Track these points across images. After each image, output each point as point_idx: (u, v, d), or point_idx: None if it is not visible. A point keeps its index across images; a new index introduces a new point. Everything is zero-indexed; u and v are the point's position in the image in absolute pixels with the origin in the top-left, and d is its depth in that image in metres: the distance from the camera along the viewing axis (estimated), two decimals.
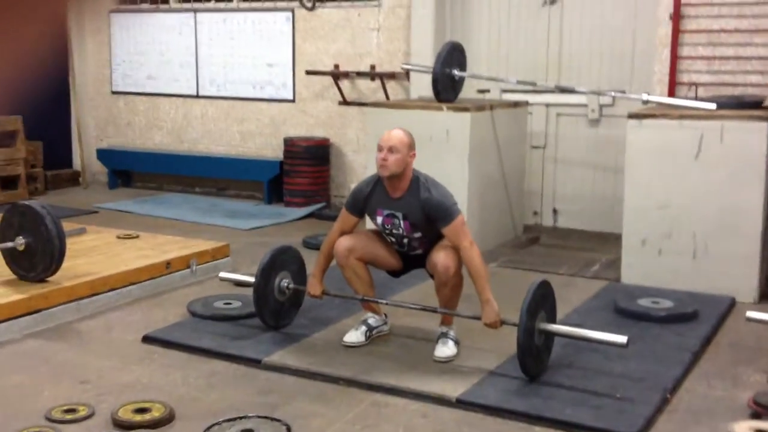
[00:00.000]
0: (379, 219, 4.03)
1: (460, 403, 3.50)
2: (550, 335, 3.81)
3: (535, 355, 3.69)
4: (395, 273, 4.27)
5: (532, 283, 3.74)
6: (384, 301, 4.18)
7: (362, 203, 4.06)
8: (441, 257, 3.87)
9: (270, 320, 4.27)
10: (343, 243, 4.08)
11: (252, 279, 4.25)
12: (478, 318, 3.85)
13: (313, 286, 4.21)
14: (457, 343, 4.01)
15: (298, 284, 4.31)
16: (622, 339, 3.66)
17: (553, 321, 3.86)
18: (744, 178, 4.95)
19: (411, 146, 3.90)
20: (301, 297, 4.39)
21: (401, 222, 3.97)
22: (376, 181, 4.03)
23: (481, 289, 3.81)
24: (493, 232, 6.26)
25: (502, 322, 3.81)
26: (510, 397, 3.52)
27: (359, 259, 4.09)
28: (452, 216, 3.85)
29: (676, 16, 6.29)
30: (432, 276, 4.05)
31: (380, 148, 3.87)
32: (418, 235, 3.99)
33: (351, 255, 4.07)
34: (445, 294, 3.95)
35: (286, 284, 4.24)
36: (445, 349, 3.95)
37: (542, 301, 3.74)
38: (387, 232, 4.05)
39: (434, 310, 4.03)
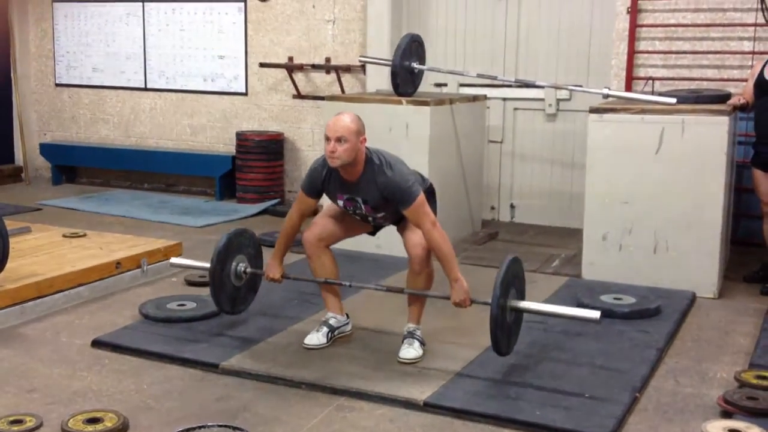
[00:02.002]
0: (341, 202, 3.92)
1: (428, 407, 3.40)
2: (521, 312, 3.72)
3: (506, 332, 3.61)
4: (370, 233, 4.22)
5: (504, 259, 3.64)
6: (347, 283, 4.05)
7: (319, 186, 3.92)
8: (414, 245, 3.79)
9: (226, 306, 4.10)
10: (313, 232, 3.98)
11: (206, 264, 4.07)
12: (447, 298, 3.76)
13: (272, 269, 4.06)
14: (422, 344, 3.91)
15: (254, 268, 4.15)
16: (594, 314, 3.60)
17: (523, 299, 3.78)
18: (705, 174, 4.94)
19: (360, 132, 3.71)
20: (258, 281, 4.23)
21: (362, 205, 3.86)
22: (330, 166, 3.86)
23: (449, 269, 3.71)
24: (452, 227, 6.14)
25: (472, 301, 3.72)
26: (478, 399, 3.43)
27: (331, 243, 4.02)
28: (412, 197, 3.72)
29: (634, 10, 6.30)
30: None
31: (327, 139, 3.69)
32: (381, 214, 3.92)
33: (321, 243, 3.99)
34: (418, 284, 3.87)
35: (243, 268, 4.07)
36: (411, 350, 3.85)
37: (513, 279, 3.65)
38: (350, 212, 3.95)
39: (400, 291, 3.94)
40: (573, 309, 3.74)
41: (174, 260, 4.59)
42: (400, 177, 3.74)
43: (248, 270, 4.10)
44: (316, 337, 4.01)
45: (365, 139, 3.77)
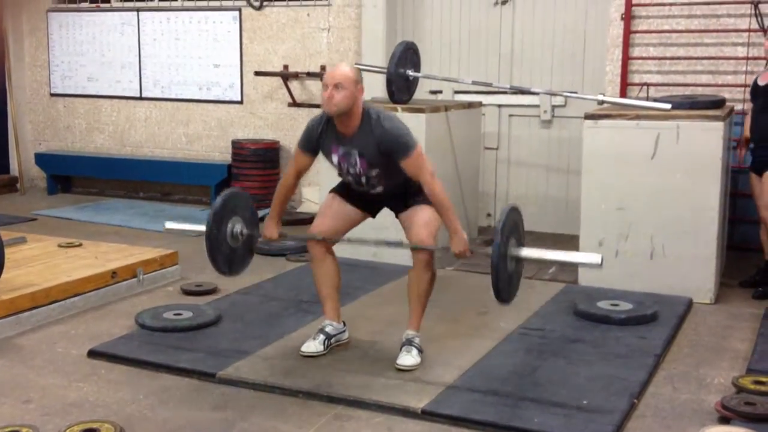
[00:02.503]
0: (335, 158, 3.86)
1: (426, 414, 3.38)
2: (521, 261, 3.70)
3: (507, 281, 3.59)
4: (371, 213, 4.16)
5: (504, 208, 3.61)
6: (346, 238, 4.04)
7: (315, 142, 3.89)
8: (419, 244, 3.76)
9: (224, 267, 4.01)
10: (318, 236, 3.98)
11: (201, 227, 4.01)
12: (447, 248, 3.76)
13: (269, 229, 4.04)
14: (420, 351, 3.90)
15: (250, 229, 4.07)
16: (596, 258, 3.58)
17: (522, 246, 3.74)
18: (700, 179, 4.95)
19: (358, 81, 3.70)
20: (254, 243, 4.15)
21: (357, 159, 3.80)
22: (327, 120, 3.82)
23: (448, 221, 3.71)
24: (447, 234, 6.17)
25: (472, 252, 3.71)
26: (476, 407, 3.42)
27: (337, 240, 4.00)
28: (410, 147, 3.70)
29: (628, 17, 6.31)
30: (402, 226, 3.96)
31: (325, 86, 3.68)
32: (375, 172, 3.82)
33: (329, 249, 4.00)
34: (422, 286, 3.86)
35: (239, 229, 4.02)
36: (409, 358, 3.84)
37: (514, 227, 3.62)
38: (344, 171, 3.89)
39: (399, 245, 3.94)
40: (573, 254, 3.68)
41: (168, 224, 4.53)
42: (397, 129, 3.74)
43: (244, 231, 4.03)
44: (313, 345, 4.00)
45: (362, 90, 3.76)
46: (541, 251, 3.80)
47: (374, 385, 3.63)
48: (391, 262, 5.45)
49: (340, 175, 3.99)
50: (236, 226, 4.00)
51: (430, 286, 3.89)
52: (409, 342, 3.90)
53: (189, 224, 4.41)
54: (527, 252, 3.66)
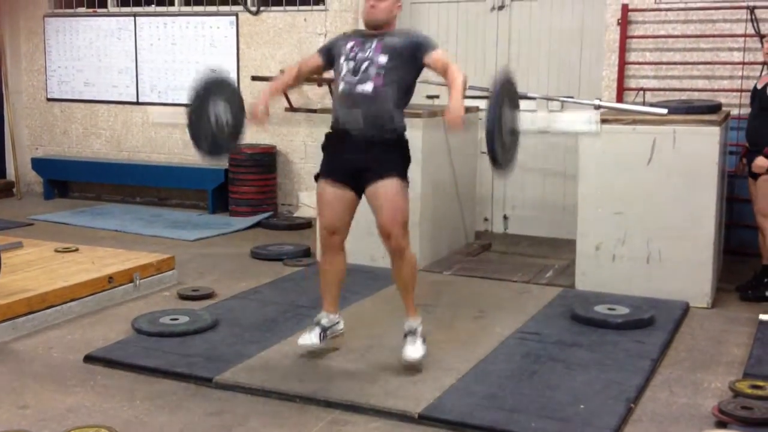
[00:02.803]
0: (349, 45, 3.87)
1: (423, 419, 3.38)
2: (517, 132, 3.68)
3: (504, 148, 3.59)
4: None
5: (496, 78, 3.59)
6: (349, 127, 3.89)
7: (334, 48, 3.94)
8: (390, 226, 3.74)
9: (203, 146, 3.96)
10: (326, 227, 3.95)
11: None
12: (443, 111, 3.76)
13: (256, 107, 3.95)
14: (424, 340, 3.89)
15: (236, 115, 4.02)
16: (594, 125, 3.54)
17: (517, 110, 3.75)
18: (697, 184, 4.95)
19: None
20: (241, 126, 4.09)
21: (374, 44, 3.81)
22: (357, 30, 3.96)
23: (455, 92, 3.67)
24: (445, 239, 6.19)
25: (464, 121, 3.67)
26: (474, 411, 3.42)
27: (344, 238, 4.00)
28: (435, 46, 3.83)
29: (624, 22, 6.33)
30: (369, 203, 3.91)
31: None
32: (383, 60, 3.76)
33: (337, 238, 3.96)
34: (403, 276, 3.88)
35: (223, 115, 3.96)
36: (414, 349, 3.82)
37: (510, 97, 3.61)
38: (350, 57, 3.84)
39: None
40: (571, 122, 3.64)
41: (156, 116, 4.47)
42: (425, 35, 3.92)
43: (229, 115, 3.96)
44: (308, 338, 3.99)
45: (401, 6, 3.94)
46: (540, 121, 3.74)
47: (371, 390, 3.62)
48: (387, 266, 5.43)
49: (339, 68, 3.87)
50: (219, 108, 3.93)
51: (412, 271, 3.90)
52: (411, 332, 3.89)
53: (175, 114, 4.38)
54: (525, 122, 3.69)
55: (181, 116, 4.09)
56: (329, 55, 3.97)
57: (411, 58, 3.82)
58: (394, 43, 3.82)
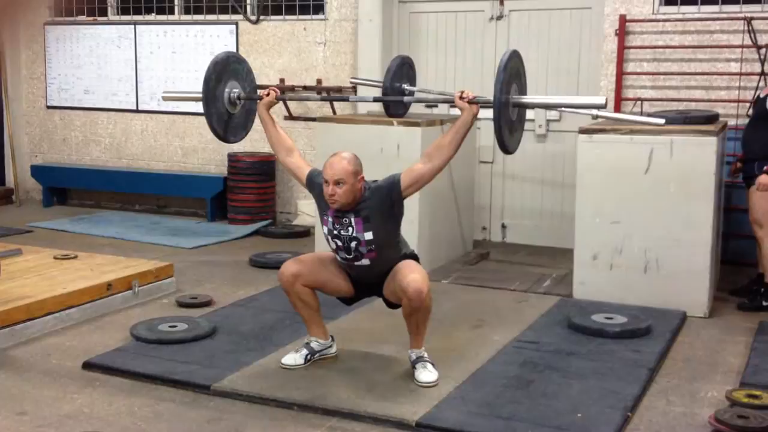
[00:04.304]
0: (328, 218, 3.83)
1: (420, 427, 3.39)
2: (524, 108, 3.66)
3: (510, 128, 3.56)
4: (346, 300, 4.12)
5: (503, 55, 3.57)
6: (348, 96, 4.07)
7: (317, 189, 3.88)
8: (411, 279, 3.67)
9: (219, 129, 4.12)
10: (290, 268, 3.91)
11: (198, 93, 4.06)
12: (452, 95, 3.75)
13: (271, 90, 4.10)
14: (434, 364, 3.88)
15: (248, 96, 4.12)
16: (600, 100, 3.54)
17: (524, 94, 3.73)
18: (694, 194, 4.97)
19: (357, 173, 3.72)
20: (253, 107, 4.20)
21: (352, 220, 3.76)
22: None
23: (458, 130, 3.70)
24: (444, 248, 6.20)
25: (475, 97, 3.67)
26: (471, 419, 3.42)
27: (306, 285, 3.93)
28: (397, 174, 3.77)
29: (622, 32, 6.36)
30: (390, 304, 3.92)
31: (326, 182, 3.71)
32: (368, 236, 3.75)
33: (297, 281, 3.90)
34: (417, 319, 3.80)
35: (236, 94, 4.02)
36: (427, 374, 3.81)
37: (515, 75, 3.59)
38: (335, 234, 3.83)
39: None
40: (576, 98, 3.65)
41: (165, 93, 4.59)
42: (384, 179, 3.80)
43: (242, 96, 4.02)
44: (292, 357, 4.00)
45: (363, 178, 3.78)
46: (543, 98, 3.76)
47: (369, 398, 3.63)
48: None
49: (327, 240, 3.91)
50: (233, 91, 4.04)
51: (427, 315, 3.85)
52: (421, 359, 3.89)
53: (187, 92, 4.49)
54: (529, 99, 3.62)
55: (189, 94, 4.20)
56: (309, 185, 3.94)
57: (389, 206, 3.76)
58: (370, 212, 3.75)
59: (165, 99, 4.65)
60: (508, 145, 3.67)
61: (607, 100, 3.59)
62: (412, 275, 3.70)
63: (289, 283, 3.92)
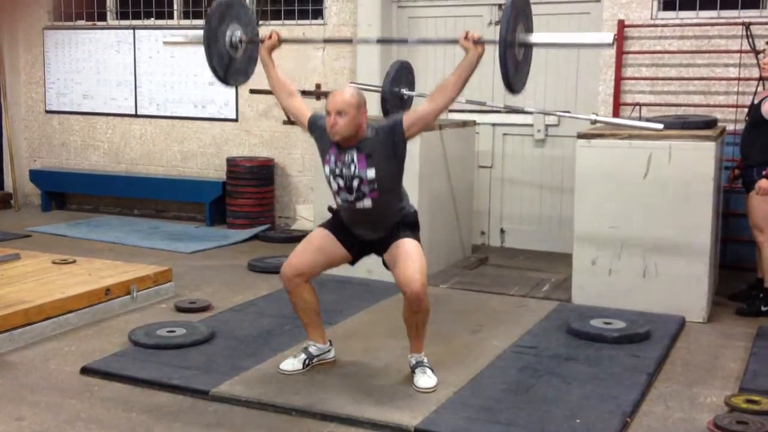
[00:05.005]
0: (331, 156, 3.78)
1: None
2: (530, 47, 3.64)
3: (516, 68, 3.54)
4: (350, 263, 4.08)
5: None
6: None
7: (318, 131, 3.84)
8: (410, 279, 3.66)
9: (219, 71, 4.06)
10: (292, 265, 3.91)
11: (198, 32, 4.05)
12: (456, 41, 3.73)
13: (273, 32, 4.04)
14: (433, 370, 3.88)
15: (250, 38, 4.07)
16: (607, 38, 3.49)
17: (530, 32, 3.70)
18: (692, 198, 4.97)
19: (359, 106, 3.65)
20: (255, 54, 4.15)
21: (355, 156, 3.69)
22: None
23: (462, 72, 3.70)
24: (442, 253, 6.20)
25: (480, 38, 3.65)
26: (470, 425, 3.42)
27: (309, 278, 3.93)
28: (400, 114, 3.73)
29: (620, 38, 6.36)
30: (388, 267, 3.88)
31: (328, 114, 3.67)
32: (371, 174, 3.68)
33: (300, 279, 3.91)
34: (416, 322, 3.81)
35: (238, 37, 3.98)
36: (426, 379, 3.80)
37: (521, 13, 3.56)
38: (336, 173, 3.77)
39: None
40: (581, 35, 3.60)
41: (167, 38, 4.51)
42: (388, 118, 3.76)
43: (243, 39, 4.00)
44: (291, 363, 4.00)
45: (365, 112, 3.73)
46: (549, 36, 3.70)
47: (367, 403, 3.63)
48: (384, 279, 5.43)
49: (329, 181, 3.85)
50: (236, 33, 3.99)
51: (426, 317, 3.84)
52: (420, 364, 3.88)
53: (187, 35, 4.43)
54: (535, 38, 3.58)
55: (193, 37, 4.15)
56: (312, 128, 3.90)
57: (392, 147, 3.72)
58: (373, 148, 3.70)
59: (166, 44, 4.54)
60: (513, 84, 3.62)
61: (614, 36, 3.47)
62: (411, 270, 3.69)
63: (293, 283, 3.92)
